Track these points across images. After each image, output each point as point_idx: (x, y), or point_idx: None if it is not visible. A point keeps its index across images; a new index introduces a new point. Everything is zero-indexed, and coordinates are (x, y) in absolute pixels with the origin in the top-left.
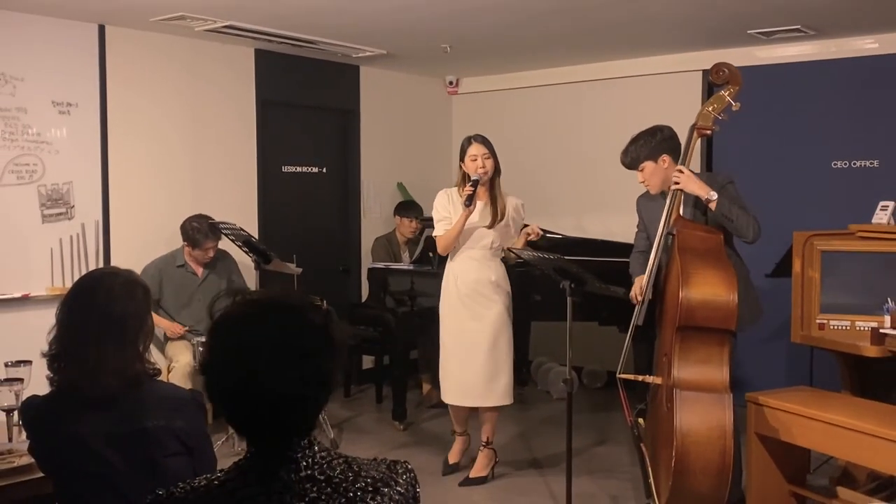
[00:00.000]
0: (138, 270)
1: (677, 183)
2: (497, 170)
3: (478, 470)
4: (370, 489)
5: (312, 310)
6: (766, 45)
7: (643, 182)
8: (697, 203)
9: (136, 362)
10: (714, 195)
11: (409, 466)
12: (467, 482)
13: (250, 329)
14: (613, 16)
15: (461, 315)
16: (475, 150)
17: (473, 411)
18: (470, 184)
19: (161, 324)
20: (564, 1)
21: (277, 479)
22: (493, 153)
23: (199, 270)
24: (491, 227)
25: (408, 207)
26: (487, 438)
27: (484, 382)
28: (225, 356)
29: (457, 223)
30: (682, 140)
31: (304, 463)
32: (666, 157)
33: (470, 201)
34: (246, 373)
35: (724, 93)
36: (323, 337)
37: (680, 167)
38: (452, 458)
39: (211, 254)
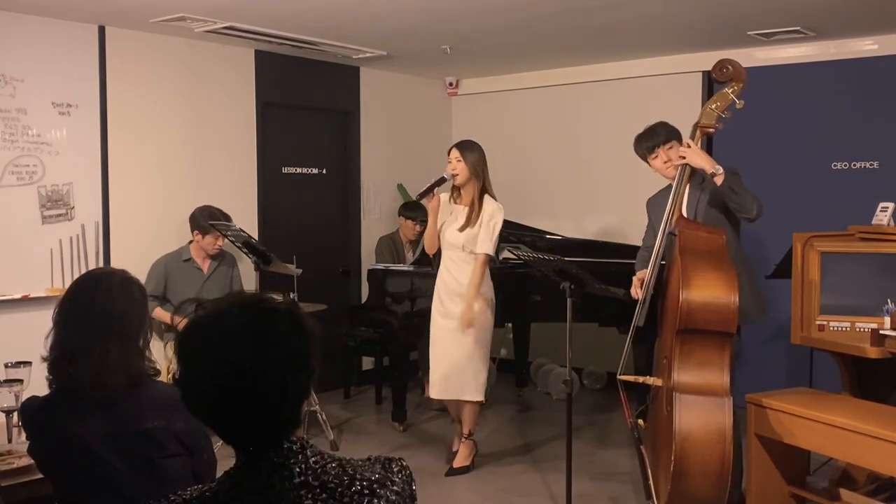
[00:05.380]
0: (138, 271)
1: (683, 157)
2: (477, 176)
3: (459, 461)
4: (366, 492)
5: (276, 301)
6: (766, 46)
7: (667, 162)
8: (700, 201)
9: (138, 359)
10: (720, 169)
11: (405, 464)
12: (451, 472)
13: (220, 325)
14: (613, 18)
15: (437, 311)
16: (451, 153)
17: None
18: (434, 181)
19: (167, 318)
20: (564, 3)
21: (271, 489)
22: (470, 160)
23: (206, 266)
24: (462, 230)
25: (413, 208)
26: (468, 431)
27: (448, 376)
28: (200, 356)
29: (428, 224)
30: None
31: (298, 469)
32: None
33: (422, 196)
34: (224, 367)
35: (728, 90)
36: (292, 320)
37: (688, 141)
38: (455, 444)
39: (220, 242)
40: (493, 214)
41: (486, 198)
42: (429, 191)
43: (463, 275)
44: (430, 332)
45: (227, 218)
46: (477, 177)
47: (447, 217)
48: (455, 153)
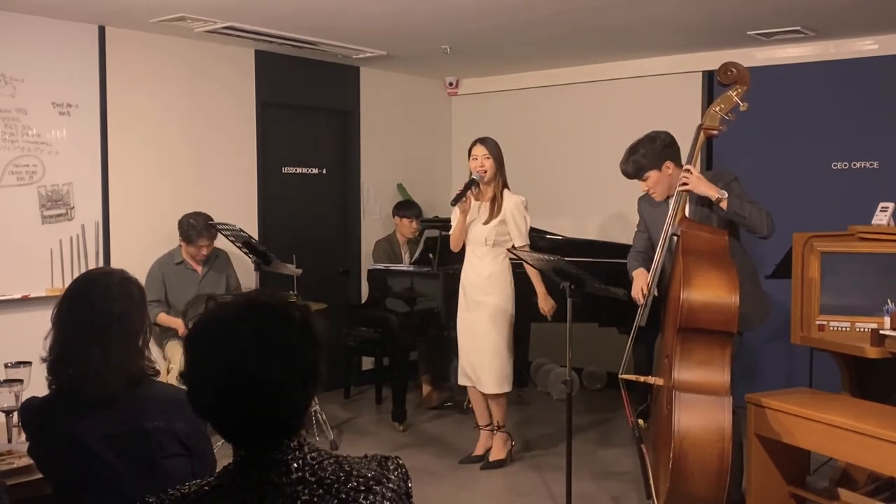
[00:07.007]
0: (138, 272)
1: (685, 184)
2: (501, 171)
3: (494, 454)
4: (362, 488)
5: (289, 305)
6: (766, 46)
7: (648, 190)
8: (703, 201)
9: (138, 359)
10: (724, 194)
11: (401, 462)
12: (487, 465)
13: (231, 328)
14: (613, 18)
15: (462, 305)
16: (476, 150)
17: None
18: (465, 184)
19: (174, 323)
20: (564, 3)
21: (268, 483)
22: (494, 155)
23: (199, 268)
24: (487, 223)
25: (406, 207)
26: (497, 423)
27: (474, 368)
28: (208, 358)
29: (457, 223)
30: (687, 142)
31: (295, 465)
32: (670, 164)
33: (457, 201)
34: (231, 372)
35: (732, 93)
36: (304, 330)
37: (688, 167)
38: (477, 450)
39: (205, 252)
40: (516, 207)
41: (506, 192)
42: (462, 195)
43: (485, 268)
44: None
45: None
46: (500, 171)
47: (473, 215)
48: (482, 150)
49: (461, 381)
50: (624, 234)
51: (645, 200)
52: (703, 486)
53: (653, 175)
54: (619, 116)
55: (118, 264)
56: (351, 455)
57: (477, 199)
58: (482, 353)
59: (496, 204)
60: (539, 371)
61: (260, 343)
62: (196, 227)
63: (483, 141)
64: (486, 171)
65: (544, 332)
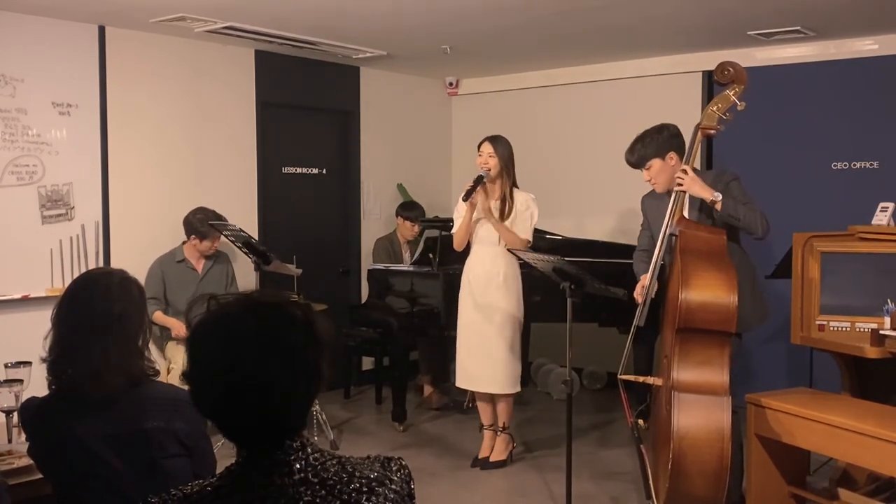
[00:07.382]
0: (138, 272)
1: (681, 185)
2: (508, 170)
3: (496, 455)
4: (365, 489)
5: (292, 304)
6: (766, 46)
7: (649, 180)
8: (703, 206)
9: (138, 359)
10: (718, 196)
11: (404, 463)
12: (487, 465)
13: (233, 328)
14: (613, 18)
15: (469, 305)
16: (483, 147)
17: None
18: (475, 179)
19: (169, 323)
20: (564, 3)
21: (271, 484)
22: (500, 154)
23: (200, 266)
24: (499, 223)
25: (410, 209)
26: (503, 424)
27: (485, 369)
28: (211, 358)
29: (463, 218)
30: (686, 140)
31: (298, 466)
32: (673, 155)
33: (467, 196)
34: (233, 372)
35: (730, 92)
36: (306, 329)
37: (684, 167)
38: (481, 452)
39: (217, 244)
40: (527, 204)
41: (516, 190)
42: (472, 190)
43: (498, 268)
44: (458, 325)
45: (220, 218)
46: (507, 171)
47: (480, 213)
48: (488, 147)
49: (460, 383)
50: (624, 234)
51: (648, 199)
52: (703, 487)
53: (655, 164)
54: (619, 116)
55: (118, 264)
56: (353, 456)
57: (486, 198)
58: (496, 353)
59: (507, 203)
60: (539, 371)
61: (262, 343)
62: (206, 221)
63: (492, 139)
64: (489, 169)
65: (544, 331)
